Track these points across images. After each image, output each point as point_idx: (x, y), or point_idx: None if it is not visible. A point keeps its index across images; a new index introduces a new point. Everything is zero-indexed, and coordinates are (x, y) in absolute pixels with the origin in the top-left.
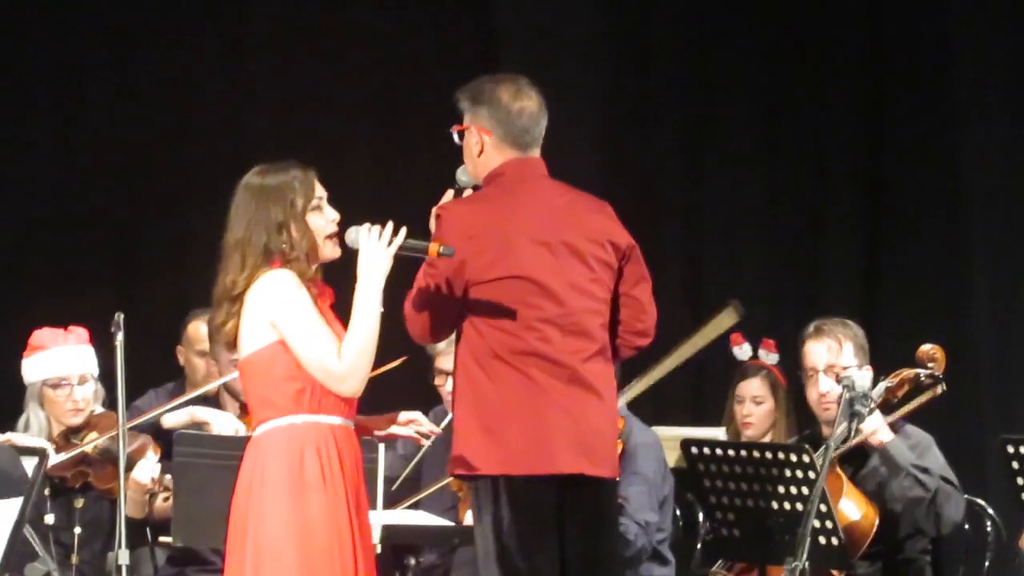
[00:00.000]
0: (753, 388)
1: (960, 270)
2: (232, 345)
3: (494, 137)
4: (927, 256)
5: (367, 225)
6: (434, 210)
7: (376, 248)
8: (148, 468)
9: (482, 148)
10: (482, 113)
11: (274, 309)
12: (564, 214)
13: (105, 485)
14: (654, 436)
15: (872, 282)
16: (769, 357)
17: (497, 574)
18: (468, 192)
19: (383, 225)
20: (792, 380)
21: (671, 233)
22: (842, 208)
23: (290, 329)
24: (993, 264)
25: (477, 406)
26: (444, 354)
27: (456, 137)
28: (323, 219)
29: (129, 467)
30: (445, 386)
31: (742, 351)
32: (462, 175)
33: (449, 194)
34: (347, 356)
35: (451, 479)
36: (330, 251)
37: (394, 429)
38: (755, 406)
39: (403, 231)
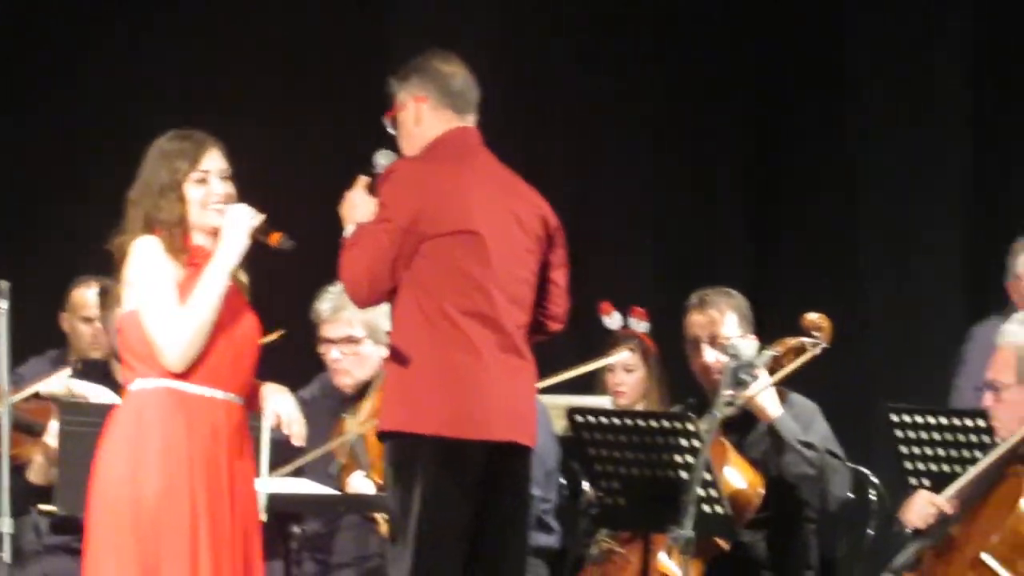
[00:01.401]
0: (623, 357)
1: (847, 238)
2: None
3: (430, 101)
4: (813, 224)
5: (244, 206)
6: (354, 192)
7: (239, 224)
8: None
9: (419, 116)
10: (413, 82)
11: (133, 276)
12: (509, 181)
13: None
14: (541, 408)
15: (757, 250)
16: (639, 325)
17: (414, 533)
18: None
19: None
20: (666, 348)
21: (557, 197)
22: (727, 175)
23: (138, 297)
24: (880, 232)
25: (415, 365)
26: (330, 322)
27: (390, 127)
28: (203, 191)
29: (34, 433)
30: (330, 354)
31: (612, 320)
32: (381, 159)
33: (363, 180)
34: (172, 329)
35: (334, 446)
36: (210, 219)
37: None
38: (626, 374)
39: (261, 216)
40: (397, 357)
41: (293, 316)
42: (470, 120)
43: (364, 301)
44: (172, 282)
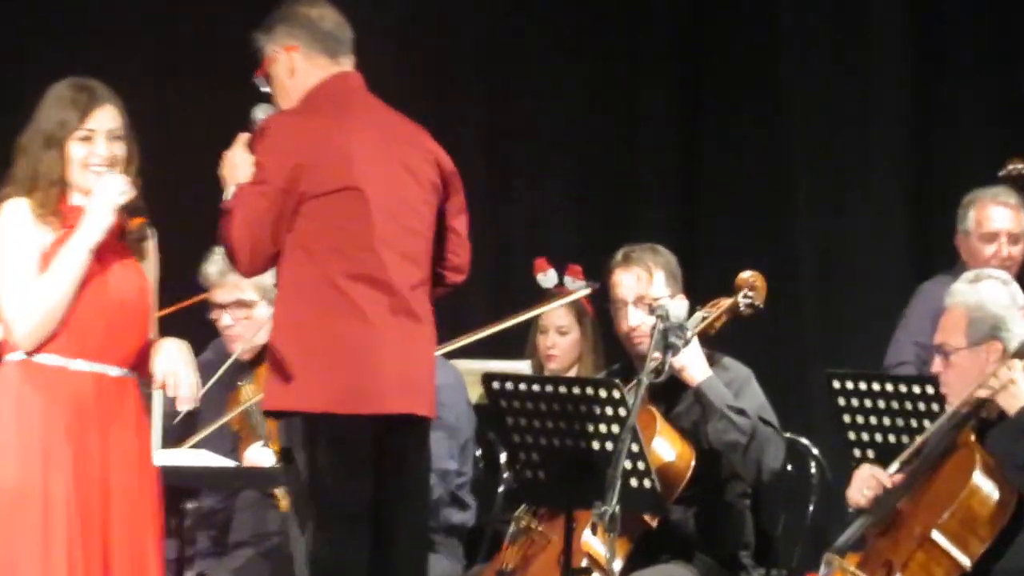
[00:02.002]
0: (557, 317)
1: (782, 195)
2: None
3: (302, 49)
4: (746, 180)
5: (118, 175)
6: (233, 152)
7: (107, 198)
8: None
9: (292, 66)
10: (280, 31)
11: None
12: (396, 128)
13: None
14: (456, 374)
15: (687, 205)
16: (575, 284)
17: (313, 513)
18: None
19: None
20: (600, 310)
21: (469, 148)
22: (655, 128)
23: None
24: (816, 190)
25: (300, 338)
26: (218, 286)
27: (263, 84)
28: (86, 150)
29: None
30: (221, 320)
31: (547, 278)
32: (259, 113)
33: (243, 137)
34: (23, 303)
35: (231, 418)
36: (88, 181)
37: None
38: (559, 337)
39: (131, 192)
40: (281, 328)
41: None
42: (347, 63)
43: (247, 269)
44: (34, 251)
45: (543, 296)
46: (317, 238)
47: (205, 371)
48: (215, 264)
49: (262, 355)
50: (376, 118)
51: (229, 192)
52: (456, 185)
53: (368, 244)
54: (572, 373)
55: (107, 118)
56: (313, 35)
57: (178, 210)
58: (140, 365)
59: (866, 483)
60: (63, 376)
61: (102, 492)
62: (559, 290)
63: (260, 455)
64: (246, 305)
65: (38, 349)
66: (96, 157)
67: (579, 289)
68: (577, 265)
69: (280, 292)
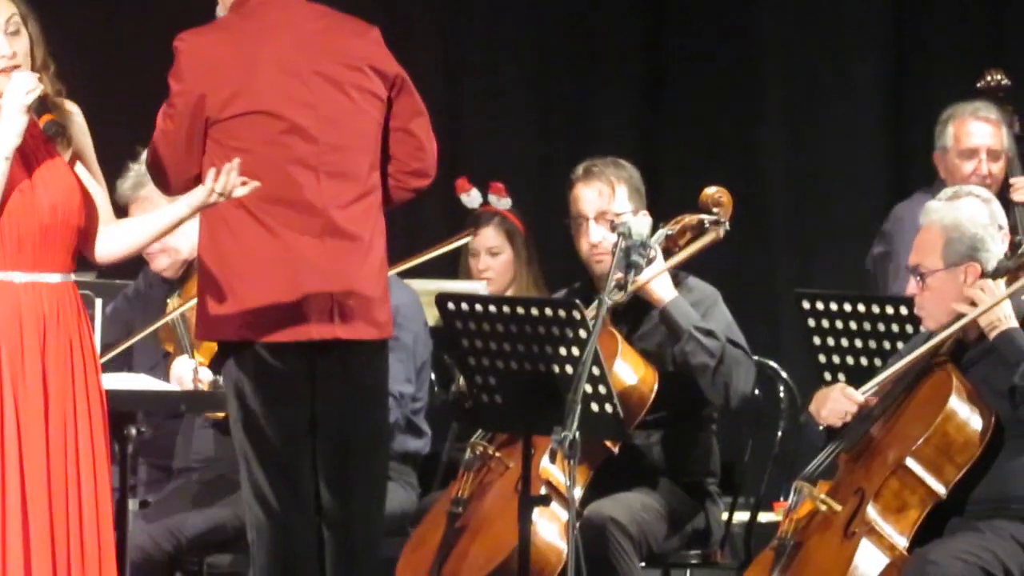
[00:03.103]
0: (487, 238)
1: (749, 105)
2: None
3: None
4: (711, 90)
5: (27, 73)
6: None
7: (16, 100)
8: None
9: None
10: None
11: None
12: (319, 39)
13: None
14: (413, 295)
15: (650, 117)
16: (501, 202)
17: (244, 442)
18: None
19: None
20: (548, 226)
21: (424, 59)
22: (616, 36)
23: None
24: (787, 102)
25: (219, 264)
26: (134, 202)
27: None
28: None
29: None
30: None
31: (470, 198)
32: (221, 11)
33: None
34: None
35: (157, 326)
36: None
37: None
38: (491, 258)
39: (37, 89)
40: (200, 254)
41: None
42: None
43: (166, 190)
44: None
45: (468, 216)
46: (224, 160)
47: (136, 300)
48: (129, 179)
49: (189, 269)
50: (298, 28)
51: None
52: (404, 87)
53: (281, 166)
54: (508, 294)
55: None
56: None
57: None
58: (73, 267)
59: (837, 404)
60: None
61: (45, 403)
62: (484, 208)
63: (185, 367)
64: None
65: None
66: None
67: (505, 207)
68: (499, 183)
69: (200, 218)
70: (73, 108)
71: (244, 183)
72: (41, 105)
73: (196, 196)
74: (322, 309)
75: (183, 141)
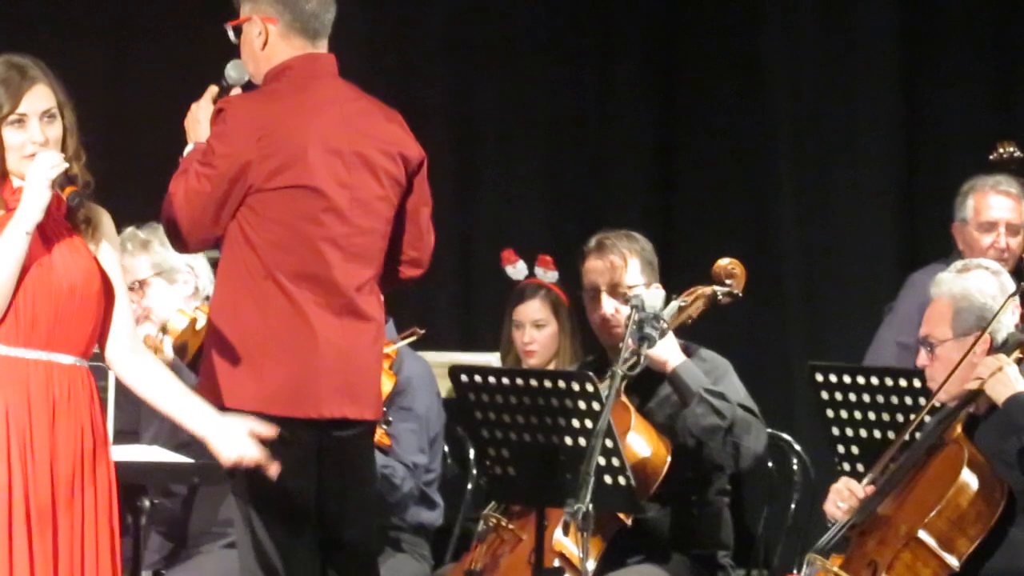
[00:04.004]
0: (533, 311)
1: (763, 180)
2: None
3: (280, 25)
4: (726, 161)
5: (50, 152)
6: (199, 105)
7: (39, 176)
8: None
9: (266, 39)
10: (265, 0)
11: None
12: (358, 121)
13: None
14: (426, 365)
15: (663, 190)
16: (547, 275)
17: (251, 511)
18: (237, 91)
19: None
20: (575, 300)
21: (437, 133)
22: (631, 107)
23: None
24: (800, 175)
25: (240, 335)
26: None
27: (232, 34)
28: (21, 136)
29: None
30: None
31: (516, 270)
32: (232, 71)
33: (212, 91)
34: None
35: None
36: (21, 167)
37: None
38: (536, 330)
39: (62, 166)
40: (218, 319)
41: None
42: (322, 45)
43: (183, 246)
44: None
45: (514, 289)
46: (262, 232)
47: None
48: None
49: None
50: (340, 107)
51: (188, 149)
52: (421, 176)
53: (314, 243)
54: (552, 367)
55: (40, 98)
56: (295, 15)
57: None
58: (87, 351)
59: (841, 497)
60: (10, 366)
61: (52, 486)
62: (530, 280)
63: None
64: (144, 284)
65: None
66: (31, 146)
67: (551, 280)
68: (547, 255)
69: (220, 280)
70: (104, 214)
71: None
72: (65, 179)
73: (218, 437)
74: (336, 387)
75: (216, 203)
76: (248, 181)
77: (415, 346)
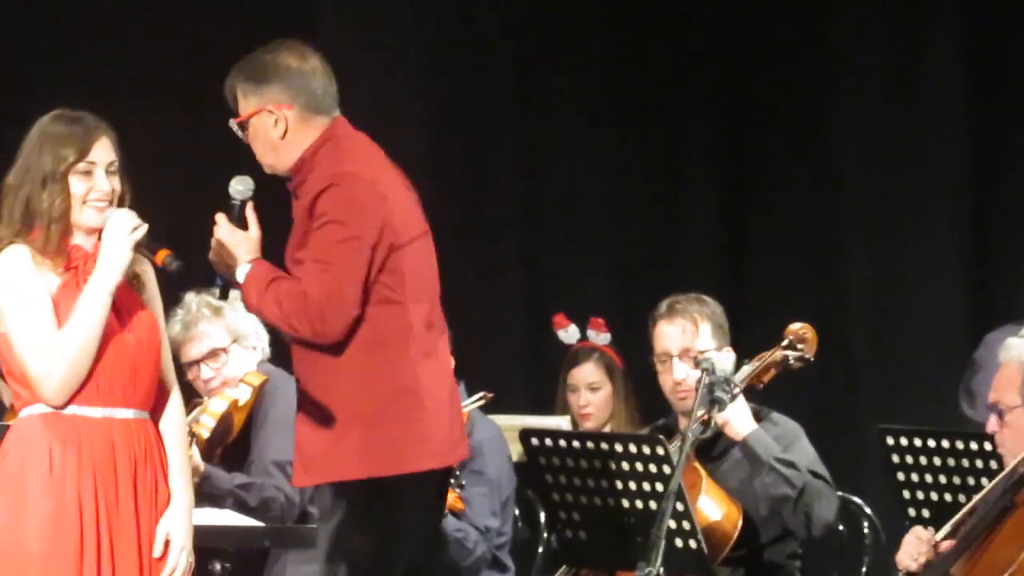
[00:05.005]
0: (587, 374)
1: (833, 244)
2: None
3: (296, 109)
4: (798, 226)
5: (125, 210)
6: (219, 237)
7: (121, 236)
8: None
9: (286, 127)
10: (273, 88)
11: (1, 297)
12: (400, 173)
13: None
14: (496, 429)
15: (734, 253)
16: (600, 337)
17: (364, 568)
18: (249, 206)
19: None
20: (630, 361)
21: (507, 196)
22: (701, 170)
23: (8, 320)
24: (868, 229)
25: (384, 394)
26: (187, 342)
27: (238, 131)
28: (86, 185)
29: None
30: (200, 375)
31: (568, 334)
32: (238, 185)
33: (222, 218)
34: (47, 360)
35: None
36: (87, 218)
37: None
38: (591, 393)
39: (144, 227)
40: (345, 389)
41: None
42: (337, 113)
43: (338, 333)
44: (45, 301)
45: (567, 353)
46: (400, 288)
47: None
48: (177, 323)
49: None
50: (386, 160)
51: (242, 272)
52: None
53: (434, 286)
54: (608, 429)
55: (105, 150)
56: (308, 96)
57: None
58: (156, 408)
59: (913, 548)
60: (91, 426)
61: (138, 547)
62: (583, 344)
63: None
64: (222, 351)
65: (68, 402)
66: (97, 192)
67: (604, 342)
68: (599, 317)
69: (352, 349)
70: (147, 263)
71: None
72: (152, 241)
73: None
74: (455, 432)
75: (364, 275)
76: (389, 240)
77: (485, 410)
